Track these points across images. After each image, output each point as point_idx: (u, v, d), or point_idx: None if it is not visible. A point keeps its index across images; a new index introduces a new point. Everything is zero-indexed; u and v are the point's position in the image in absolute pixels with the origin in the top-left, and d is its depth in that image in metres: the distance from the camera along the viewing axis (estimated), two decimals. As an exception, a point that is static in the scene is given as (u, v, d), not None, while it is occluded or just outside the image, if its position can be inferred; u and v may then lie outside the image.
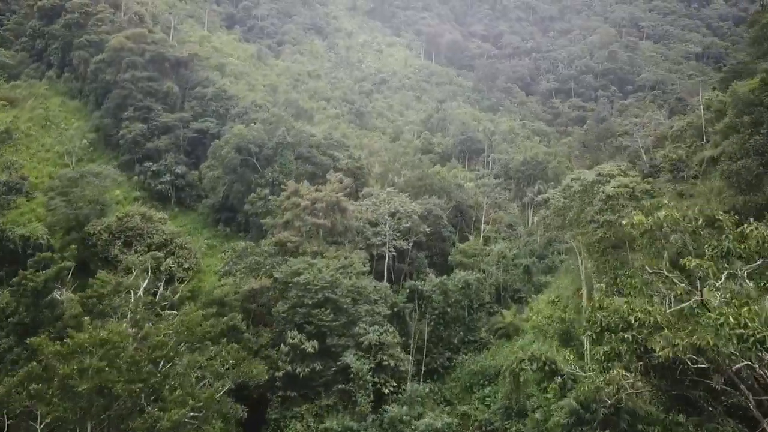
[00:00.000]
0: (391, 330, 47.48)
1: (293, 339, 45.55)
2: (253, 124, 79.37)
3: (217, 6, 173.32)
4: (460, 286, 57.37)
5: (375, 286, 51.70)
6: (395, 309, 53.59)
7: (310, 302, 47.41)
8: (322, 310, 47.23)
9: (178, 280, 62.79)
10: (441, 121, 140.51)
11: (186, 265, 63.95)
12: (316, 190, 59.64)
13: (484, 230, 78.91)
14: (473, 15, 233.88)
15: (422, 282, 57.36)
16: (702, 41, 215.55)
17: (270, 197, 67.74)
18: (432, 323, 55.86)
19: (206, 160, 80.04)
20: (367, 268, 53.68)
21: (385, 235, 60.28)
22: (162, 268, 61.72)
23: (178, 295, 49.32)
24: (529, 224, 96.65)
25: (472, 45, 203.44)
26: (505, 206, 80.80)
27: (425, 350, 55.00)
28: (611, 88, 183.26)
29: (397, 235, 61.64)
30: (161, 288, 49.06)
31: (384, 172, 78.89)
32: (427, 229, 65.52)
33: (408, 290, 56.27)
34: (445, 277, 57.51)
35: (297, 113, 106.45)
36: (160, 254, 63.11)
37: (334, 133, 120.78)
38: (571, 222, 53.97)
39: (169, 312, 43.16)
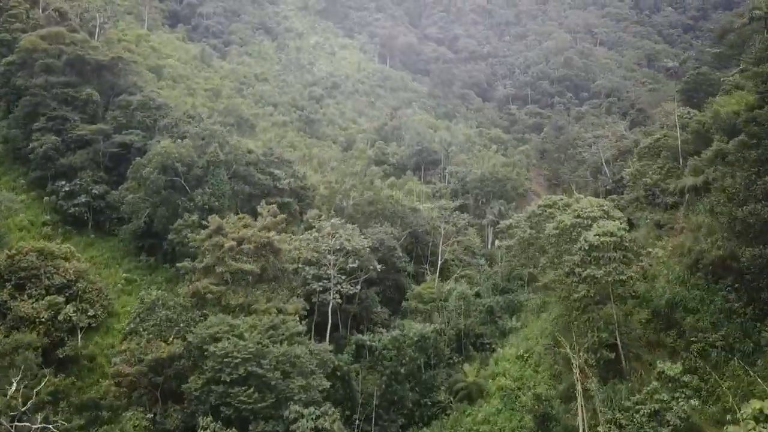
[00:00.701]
0: (330, 413, 37.38)
1: (206, 428, 35.08)
2: (180, 140, 67.88)
3: (160, 2, 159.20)
4: (415, 339, 47.83)
5: (312, 351, 41.57)
6: (338, 372, 43.66)
7: (228, 378, 36.99)
8: (244, 388, 36.88)
9: (80, 330, 51.62)
10: (395, 129, 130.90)
11: (92, 312, 52.66)
12: (244, 226, 49.06)
13: (441, 260, 69.55)
14: (428, 17, 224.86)
15: (371, 335, 47.61)
16: (654, 48, 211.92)
17: (189, 235, 56.45)
18: (383, 385, 46.18)
19: (127, 181, 68.26)
20: (302, 327, 43.48)
21: (329, 279, 50.17)
22: (60, 318, 50.50)
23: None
24: (489, 246, 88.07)
25: (428, 48, 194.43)
26: (464, 231, 71.50)
27: (374, 417, 45.34)
28: (567, 94, 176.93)
29: (343, 278, 51.66)
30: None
31: (330, 195, 68.70)
32: (379, 267, 55.73)
33: (355, 345, 46.46)
34: (398, 332, 47.83)
35: (238, 122, 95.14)
36: (61, 299, 51.80)
37: (281, 142, 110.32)
38: (543, 266, 44.94)
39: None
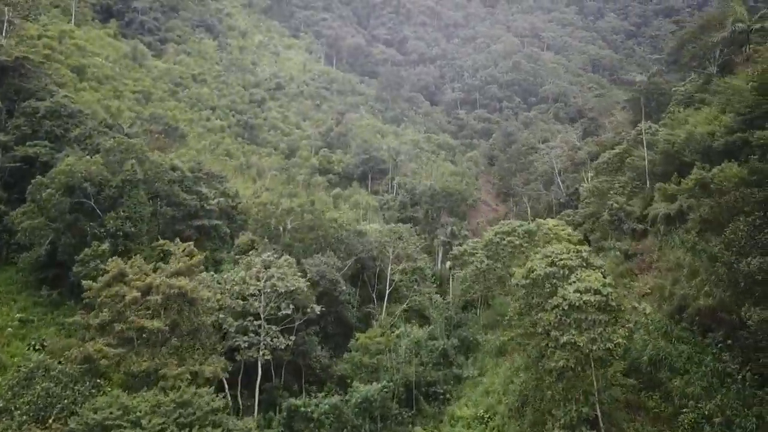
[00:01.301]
0: None
1: None
2: (89, 157, 57.77)
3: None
4: (359, 401, 39.85)
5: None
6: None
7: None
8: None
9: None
10: (342, 135, 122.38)
11: (-34, 371, 42.53)
12: (154, 270, 39.90)
13: (390, 287, 61.79)
14: (377, 18, 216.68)
15: (307, 398, 39.38)
16: (599, 53, 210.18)
17: (99, 266, 46.77)
18: (320, 459, 38.08)
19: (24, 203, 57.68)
20: (221, 402, 34.77)
21: (257, 331, 41.61)
22: None
23: None
24: (439, 265, 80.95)
25: (376, 50, 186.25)
26: (415, 254, 63.85)
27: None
28: (515, 99, 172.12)
29: (274, 328, 43.11)
30: None
31: (265, 217, 59.86)
32: (318, 309, 47.48)
33: (286, 413, 38.15)
34: (338, 397, 39.69)
35: (167, 131, 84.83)
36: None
37: (216, 150, 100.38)
38: (510, 320, 37.65)
39: None
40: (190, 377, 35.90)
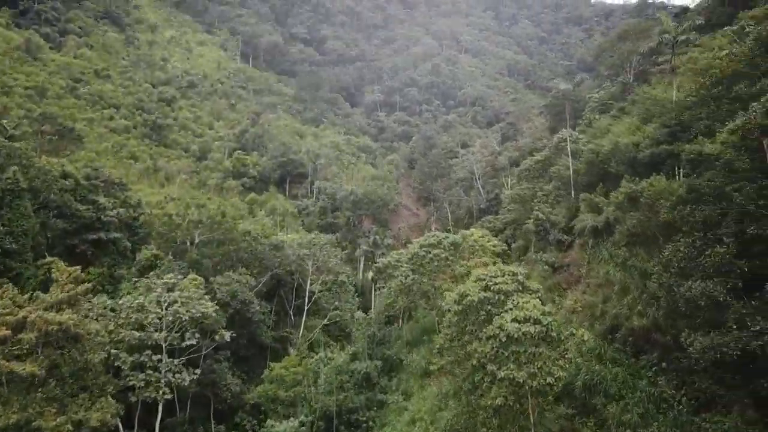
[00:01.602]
0: None
1: None
2: (-42, 164, 49.98)
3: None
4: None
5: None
6: None
7: None
8: None
9: None
10: (258, 137, 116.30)
11: None
12: (30, 299, 33.75)
13: (309, 303, 57.55)
14: (295, 16, 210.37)
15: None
16: (514, 58, 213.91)
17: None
18: None
19: None
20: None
21: (157, 367, 36.27)
22: None
23: None
24: (360, 275, 77.43)
25: (294, 49, 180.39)
26: (336, 267, 59.81)
27: None
28: (435, 102, 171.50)
29: (175, 363, 37.87)
30: None
31: (171, 230, 54.01)
32: (228, 336, 42.59)
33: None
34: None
35: (61, 132, 76.40)
36: None
37: (119, 153, 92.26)
38: (441, 349, 34.39)
39: None
40: (72, 428, 30.31)
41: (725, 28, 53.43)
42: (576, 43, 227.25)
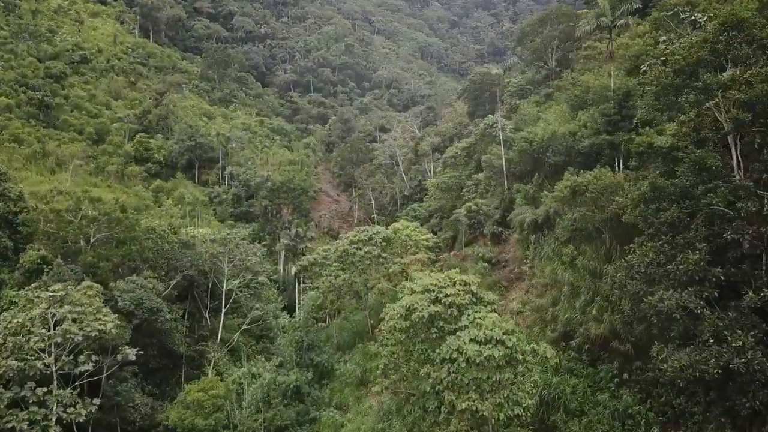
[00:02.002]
0: None
1: None
2: None
3: None
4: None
5: None
6: None
7: None
8: None
9: None
10: (162, 118, 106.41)
11: None
12: None
13: (226, 307, 51.64)
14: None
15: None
16: (426, 41, 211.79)
17: None
18: None
19: None
20: None
21: (44, 401, 29.64)
22: None
23: None
24: (282, 270, 71.96)
25: (199, 24, 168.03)
26: (256, 265, 53.98)
27: None
28: (350, 83, 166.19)
29: (68, 395, 31.33)
30: None
31: (61, 228, 46.09)
32: (133, 354, 36.33)
33: None
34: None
35: None
36: None
37: (0, 136, 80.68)
38: (385, 370, 30.14)
39: None
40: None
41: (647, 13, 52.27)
42: (486, 28, 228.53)
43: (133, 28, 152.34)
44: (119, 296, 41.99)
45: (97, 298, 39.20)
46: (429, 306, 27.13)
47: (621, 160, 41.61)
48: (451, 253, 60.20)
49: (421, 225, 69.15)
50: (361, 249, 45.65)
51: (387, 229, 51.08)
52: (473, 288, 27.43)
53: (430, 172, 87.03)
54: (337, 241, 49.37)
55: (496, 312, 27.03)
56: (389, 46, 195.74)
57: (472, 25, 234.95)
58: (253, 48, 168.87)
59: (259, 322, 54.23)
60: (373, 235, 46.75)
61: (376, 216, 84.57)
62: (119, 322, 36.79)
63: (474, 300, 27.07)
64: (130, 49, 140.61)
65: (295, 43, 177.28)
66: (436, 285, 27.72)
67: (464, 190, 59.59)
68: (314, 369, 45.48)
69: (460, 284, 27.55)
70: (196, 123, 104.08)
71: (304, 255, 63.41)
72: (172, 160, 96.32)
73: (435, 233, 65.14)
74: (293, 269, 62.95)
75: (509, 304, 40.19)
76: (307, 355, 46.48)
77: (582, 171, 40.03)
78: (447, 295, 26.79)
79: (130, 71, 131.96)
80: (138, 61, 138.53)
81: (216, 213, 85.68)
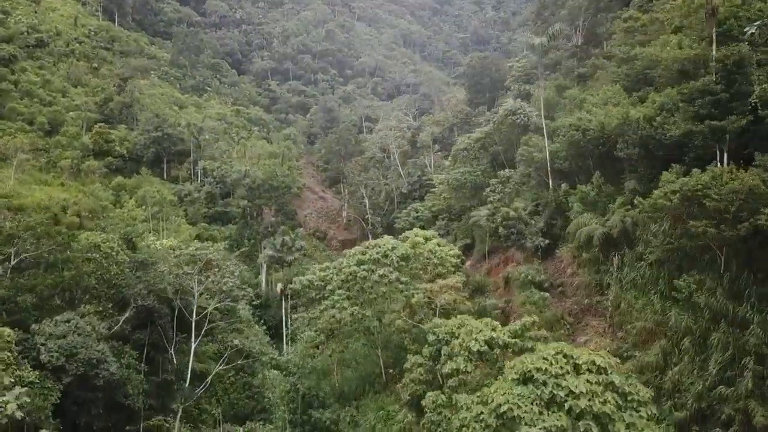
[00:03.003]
0: None
1: None
2: None
3: None
4: None
5: None
6: None
7: None
8: None
9: None
10: (126, 107, 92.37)
11: None
12: None
13: (196, 343, 39.08)
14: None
15: None
16: (408, 28, 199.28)
17: None
18: None
19: None
20: None
21: None
22: None
23: None
24: (264, 282, 59.55)
25: (169, 8, 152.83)
26: (235, 288, 41.31)
27: None
28: (331, 71, 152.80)
29: None
30: None
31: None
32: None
33: None
34: None
35: None
36: None
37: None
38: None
39: None
40: None
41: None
42: (469, 16, 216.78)
43: (97, 10, 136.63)
44: (43, 345, 29.35)
45: (8, 352, 26.77)
46: (531, 406, 15.14)
47: (726, 154, 30.22)
48: (468, 263, 48.54)
49: (423, 228, 57.71)
50: (374, 272, 33.49)
51: (400, 241, 39.03)
52: (615, 378, 15.53)
53: (430, 166, 75.09)
54: (341, 259, 37.04)
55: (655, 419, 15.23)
56: (371, 32, 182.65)
57: (455, 13, 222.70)
58: (228, 33, 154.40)
59: (239, 362, 41.78)
60: (388, 252, 34.60)
61: (370, 216, 72.42)
62: (31, 396, 24.13)
63: (619, 401, 15.21)
64: (92, 33, 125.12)
65: (273, 29, 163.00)
66: (544, 370, 15.75)
67: (488, 190, 47.68)
68: (312, 429, 33.43)
69: (589, 368, 15.63)
70: (164, 112, 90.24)
71: (291, 267, 51.09)
72: (136, 154, 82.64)
73: (440, 236, 53.52)
74: (279, 286, 50.62)
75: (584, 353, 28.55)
76: (302, 410, 34.34)
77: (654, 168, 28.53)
78: (572, 394, 14.83)
79: (92, 56, 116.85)
80: (101, 45, 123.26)
81: (187, 214, 72.62)
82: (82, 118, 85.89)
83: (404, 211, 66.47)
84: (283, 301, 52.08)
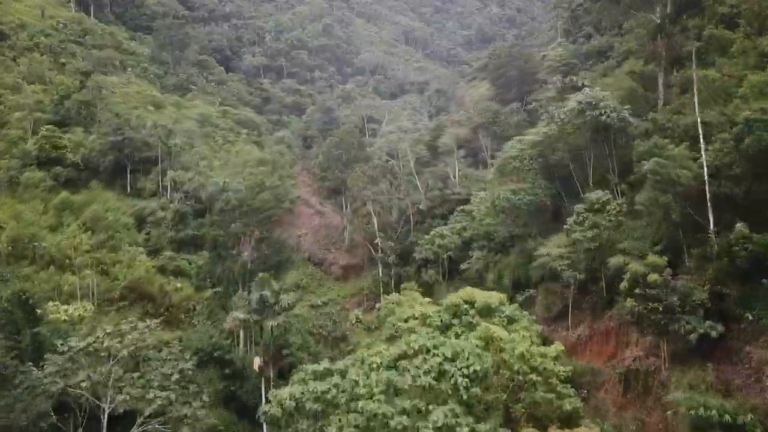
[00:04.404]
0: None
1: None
2: None
3: None
4: None
5: None
6: None
7: None
8: None
9: None
10: (89, 106, 74.91)
11: None
12: None
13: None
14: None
15: None
16: (410, 24, 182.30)
17: None
18: None
19: None
20: None
21: None
22: None
23: None
24: (240, 348, 42.29)
25: (152, 1, 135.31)
26: (179, 405, 24.23)
27: None
28: (329, 68, 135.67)
29: None
30: None
31: None
32: None
33: None
34: None
35: None
36: None
37: None
38: None
39: None
40: None
41: None
42: (472, 13, 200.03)
43: (69, 1, 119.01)
44: None
45: None
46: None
47: None
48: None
49: (450, 260, 40.83)
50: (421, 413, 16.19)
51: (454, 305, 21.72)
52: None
53: (454, 176, 57.85)
54: (349, 364, 19.78)
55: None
56: (371, 28, 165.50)
57: (458, 10, 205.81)
58: (216, 28, 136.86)
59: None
60: (447, 367, 17.28)
61: (380, 241, 55.08)
62: None
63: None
64: (61, 25, 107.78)
65: (265, 23, 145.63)
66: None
67: (570, 221, 30.58)
68: None
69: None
70: (129, 112, 72.71)
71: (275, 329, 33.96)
72: (94, 162, 65.30)
73: (479, 277, 36.79)
74: (257, 361, 33.42)
75: None
76: None
77: None
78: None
79: (59, 50, 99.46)
80: (72, 38, 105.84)
81: (149, 239, 55.28)
82: (29, 120, 68.48)
83: (426, 237, 49.33)
84: (264, 386, 34.79)
